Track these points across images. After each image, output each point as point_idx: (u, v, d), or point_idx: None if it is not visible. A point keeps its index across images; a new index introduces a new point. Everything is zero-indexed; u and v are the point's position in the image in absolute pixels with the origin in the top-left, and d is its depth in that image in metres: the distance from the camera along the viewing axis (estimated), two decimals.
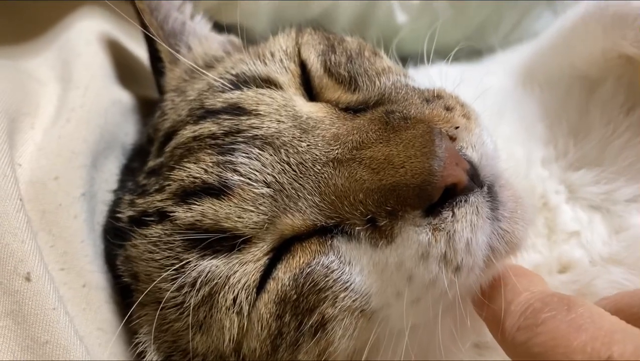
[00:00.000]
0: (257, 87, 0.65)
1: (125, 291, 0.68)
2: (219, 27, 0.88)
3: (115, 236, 0.69)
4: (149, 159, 0.71)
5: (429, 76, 0.76)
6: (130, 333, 0.66)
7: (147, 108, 0.83)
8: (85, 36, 0.81)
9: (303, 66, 0.68)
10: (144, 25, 0.78)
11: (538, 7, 1.23)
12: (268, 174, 0.58)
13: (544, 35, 0.91)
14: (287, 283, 0.56)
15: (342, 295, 0.56)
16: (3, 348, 0.53)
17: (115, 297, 0.68)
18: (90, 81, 0.75)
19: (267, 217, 0.57)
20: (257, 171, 0.58)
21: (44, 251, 0.60)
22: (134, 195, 0.68)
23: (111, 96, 0.78)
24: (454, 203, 0.53)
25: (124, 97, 0.81)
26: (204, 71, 0.72)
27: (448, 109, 0.59)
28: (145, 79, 0.88)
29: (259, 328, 0.58)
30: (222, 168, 0.59)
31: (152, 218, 0.63)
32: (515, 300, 0.51)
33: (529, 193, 0.75)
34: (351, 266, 0.56)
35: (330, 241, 0.57)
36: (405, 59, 1.03)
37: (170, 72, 0.80)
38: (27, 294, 0.55)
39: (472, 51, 1.12)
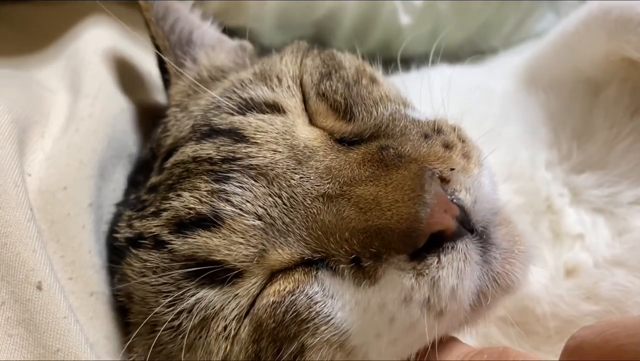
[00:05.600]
0: (259, 112, 0.64)
1: (122, 309, 0.68)
2: (228, 32, 0.88)
3: (113, 253, 0.69)
4: (151, 174, 0.71)
5: (430, 80, 0.76)
6: (128, 350, 0.66)
7: (155, 115, 0.84)
8: (94, 45, 0.82)
9: (303, 92, 0.68)
10: (152, 37, 0.79)
11: (540, 8, 1.24)
12: (260, 206, 0.57)
13: (546, 38, 0.91)
14: (264, 310, 0.56)
15: (323, 328, 0.55)
16: (16, 356, 0.54)
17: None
18: (99, 90, 0.76)
19: (257, 250, 0.57)
20: (249, 202, 0.58)
21: (53, 261, 0.61)
22: (133, 212, 0.68)
23: (119, 104, 0.79)
24: (441, 249, 0.52)
25: (131, 106, 0.82)
26: (208, 90, 0.71)
27: (447, 146, 0.58)
28: (153, 86, 0.89)
29: (238, 349, 0.58)
30: (215, 198, 0.59)
31: (147, 242, 0.63)
32: None
33: (533, 197, 0.76)
34: (334, 300, 0.55)
35: (315, 272, 0.56)
36: (408, 61, 1.04)
37: (174, 85, 0.79)
38: (38, 303, 0.55)
39: (474, 51, 1.13)
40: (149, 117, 0.84)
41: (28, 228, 0.58)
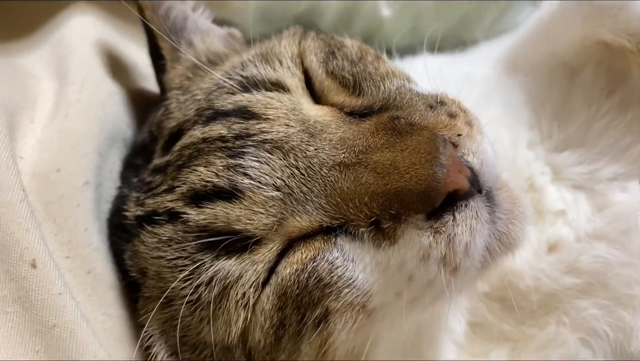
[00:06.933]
0: (266, 90, 0.66)
1: (132, 285, 0.69)
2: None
3: (121, 231, 0.71)
4: (153, 157, 0.72)
5: (413, 68, 0.78)
6: (136, 326, 0.68)
7: (141, 100, 0.85)
8: (79, 33, 0.82)
9: (306, 72, 0.70)
10: (145, 20, 0.79)
11: (519, 2, 1.27)
12: (277, 177, 0.60)
13: (524, 26, 0.94)
14: (289, 278, 0.59)
15: (345, 290, 0.58)
16: (12, 333, 0.55)
17: (119, 284, 0.70)
18: (85, 76, 0.76)
19: (276, 219, 0.59)
20: (266, 174, 0.60)
21: (49, 240, 0.62)
22: (141, 193, 0.70)
23: (107, 89, 0.79)
24: (455, 207, 0.56)
25: (120, 90, 0.83)
26: (211, 70, 0.73)
27: (451, 115, 0.61)
28: (139, 73, 0.90)
29: (262, 319, 0.60)
30: (232, 172, 0.61)
31: (162, 218, 0.64)
32: None
33: (515, 176, 0.78)
34: (354, 264, 0.58)
35: (334, 239, 0.58)
36: (391, 52, 1.06)
37: (172, 69, 0.81)
38: (33, 281, 0.56)
39: (457, 43, 1.15)
40: (138, 103, 0.85)
41: (21, 208, 0.59)
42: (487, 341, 0.75)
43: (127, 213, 0.70)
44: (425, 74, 0.75)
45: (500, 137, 0.81)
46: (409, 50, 1.05)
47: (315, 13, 1.16)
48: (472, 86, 0.89)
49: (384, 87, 0.66)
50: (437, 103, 0.63)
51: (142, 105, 0.85)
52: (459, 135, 0.58)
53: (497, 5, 1.26)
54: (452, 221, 0.55)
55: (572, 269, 0.72)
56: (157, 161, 0.70)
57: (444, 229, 0.55)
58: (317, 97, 0.68)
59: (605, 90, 0.79)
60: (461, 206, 0.56)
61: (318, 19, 1.17)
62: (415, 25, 1.24)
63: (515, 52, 0.91)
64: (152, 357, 0.65)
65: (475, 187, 0.57)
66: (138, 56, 0.89)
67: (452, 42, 1.16)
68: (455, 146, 0.57)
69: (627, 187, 0.73)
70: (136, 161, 0.77)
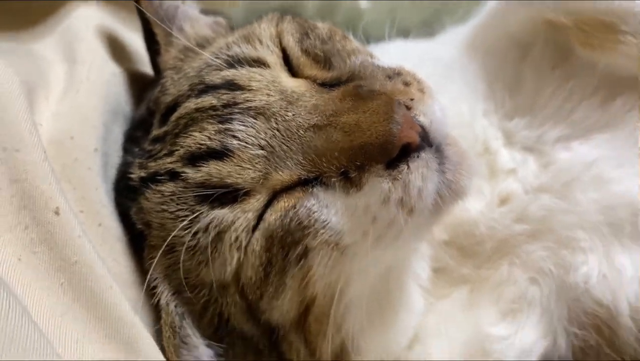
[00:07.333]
0: (249, 66, 0.76)
1: (137, 237, 0.79)
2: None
3: (127, 191, 0.80)
4: (152, 129, 0.82)
5: (387, 52, 0.90)
6: (143, 272, 0.77)
7: (142, 81, 0.95)
8: (85, 22, 0.93)
9: (284, 50, 0.80)
10: (141, 10, 0.90)
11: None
12: (262, 139, 0.70)
13: (483, 11, 1.04)
14: (275, 223, 0.68)
15: (321, 231, 0.68)
16: (41, 269, 0.63)
17: (125, 238, 0.79)
18: (92, 58, 0.87)
19: (262, 173, 0.69)
20: (252, 136, 0.70)
21: (66, 196, 0.71)
22: (143, 159, 0.79)
23: (111, 69, 0.90)
24: (409, 158, 0.65)
25: (120, 72, 0.93)
26: (201, 51, 0.83)
27: (406, 84, 0.71)
28: (138, 58, 1.00)
29: (253, 258, 0.70)
30: (223, 135, 0.71)
31: (164, 177, 0.74)
32: None
33: (473, 141, 0.88)
34: (328, 209, 0.68)
35: (311, 189, 0.68)
36: (370, 40, 1.16)
37: (166, 52, 0.91)
38: (57, 225, 0.65)
39: (431, 32, 1.25)
40: (137, 83, 0.95)
41: (44, 166, 0.67)
42: (449, 284, 0.85)
43: (132, 176, 0.79)
44: (398, 56, 0.86)
45: (461, 108, 0.90)
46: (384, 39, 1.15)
47: (298, 5, 1.26)
48: (437, 65, 1.00)
49: (350, 62, 0.76)
50: (394, 74, 0.73)
51: (140, 85, 0.95)
52: (411, 99, 0.68)
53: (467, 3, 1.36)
54: (407, 169, 0.65)
55: (522, 218, 0.81)
56: (156, 131, 0.80)
57: (400, 176, 0.65)
58: (294, 71, 0.77)
59: (551, 63, 0.88)
60: (414, 157, 0.66)
61: (301, 10, 1.28)
62: (393, 17, 1.35)
63: (475, 34, 1.00)
64: (157, 296, 0.75)
65: (426, 142, 0.67)
66: (137, 43, 0.99)
67: (427, 32, 1.26)
68: (408, 108, 0.67)
69: (569, 146, 0.83)
70: (136, 133, 0.87)
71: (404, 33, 1.13)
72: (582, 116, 0.84)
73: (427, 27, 1.36)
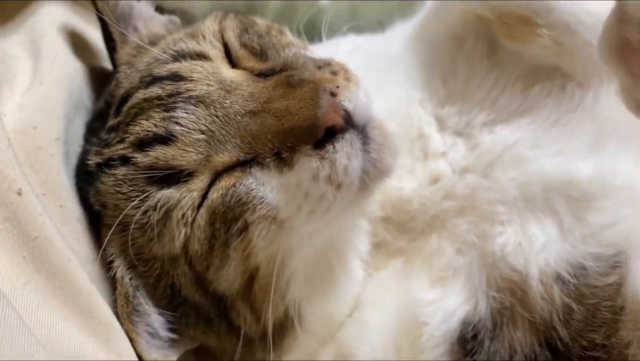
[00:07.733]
0: (192, 59, 0.84)
1: (94, 217, 0.87)
2: (160, 10, 1.08)
3: (85, 176, 0.88)
4: (108, 120, 0.89)
5: (338, 45, 0.98)
6: (99, 246, 0.84)
7: (103, 77, 1.03)
8: (49, 19, 0.99)
9: (225, 45, 0.88)
10: (98, 11, 0.97)
11: None
12: (202, 124, 0.77)
13: (425, 8, 1.12)
14: (217, 200, 0.76)
15: (259, 206, 0.76)
16: (6, 244, 0.69)
17: (85, 220, 0.87)
18: (56, 53, 0.93)
19: (203, 156, 0.77)
20: (193, 122, 0.77)
21: (29, 179, 0.77)
22: (99, 147, 0.87)
23: (74, 65, 0.97)
24: (334, 139, 0.73)
25: (83, 68, 1.00)
26: (150, 48, 0.91)
27: (334, 73, 0.78)
28: (100, 54, 1.07)
29: (199, 233, 0.77)
30: (167, 122, 0.78)
31: (117, 162, 0.82)
32: None
33: (409, 127, 0.96)
34: (264, 186, 0.76)
35: (249, 170, 0.76)
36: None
37: (121, 49, 0.99)
38: (20, 205, 0.70)
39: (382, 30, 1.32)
40: (98, 78, 1.03)
41: (7, 152, 0.73)
42: (387, 256, 0.92)
43: (89, 162, 0.87)
44: (348, 49, 0.95)
45: (400, 96, 0.99)
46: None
47: (260, 5, 1.34)
48: (382, 57, 1.08)
49: (284, 54, 0.85)
50: (324, 64, 0.81)
51: (101, 80, 1.02)
52: (337, 87, 0.76)
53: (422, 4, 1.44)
54: (333, 149, 0.73)
55: (450, 195, 0.89)
56: (111, 122, 0.88)
57: (327, 155, 0.73)
58: (234, 64, 0.85)
59: (481, 55, 0.96)
60: (339, 138, 0.73)
61: (265, 9, 1.35)
62: (353, 13, 1.43)
63: (419, 26, 1.09)
64: (113, 270, 0.83)
65: (350, 124, 0.75)
66: (99, 40, 1.06)
67: (380, 29, 1.33)
68: (334, 95, 0.75)
69: (493, 130, 0.90)
70: (95, 124, 0.94)
71: (359, 30, 1.22)
72: (505, 102, 0.92)
73: (380, 26, 1.44)
